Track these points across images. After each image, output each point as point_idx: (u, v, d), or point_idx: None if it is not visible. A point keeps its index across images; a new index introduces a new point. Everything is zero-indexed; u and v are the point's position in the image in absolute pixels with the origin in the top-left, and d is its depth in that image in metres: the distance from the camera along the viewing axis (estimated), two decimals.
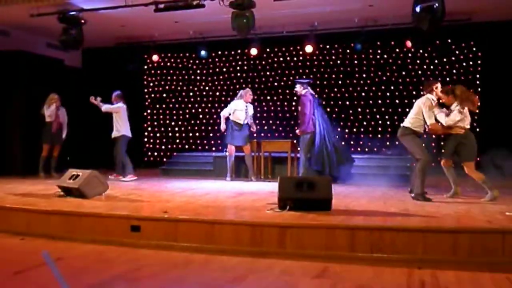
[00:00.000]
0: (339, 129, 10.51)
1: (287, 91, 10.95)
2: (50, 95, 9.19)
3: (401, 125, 6.52)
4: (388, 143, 10.18)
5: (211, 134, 11.49)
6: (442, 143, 7.07)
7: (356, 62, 10.56)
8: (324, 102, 10.68)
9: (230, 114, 8.79)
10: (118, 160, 8.73)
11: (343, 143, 9.44)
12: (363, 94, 10.47)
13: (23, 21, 8.86)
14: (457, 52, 9.87)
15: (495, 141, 8.18)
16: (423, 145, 6.46)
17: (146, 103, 12.04)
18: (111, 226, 4.98)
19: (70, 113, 9.71)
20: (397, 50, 10.25)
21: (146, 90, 12.11)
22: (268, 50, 10.99)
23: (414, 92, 10.00)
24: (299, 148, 8.52)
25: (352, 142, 10.46)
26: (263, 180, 8.70)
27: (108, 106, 8.77)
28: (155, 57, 11.14)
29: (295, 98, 10.87)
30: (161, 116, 12.00)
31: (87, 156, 9.22)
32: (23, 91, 9.86)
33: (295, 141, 8.85)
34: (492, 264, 4.01)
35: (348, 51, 10.50)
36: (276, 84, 11.12)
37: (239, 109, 8.73)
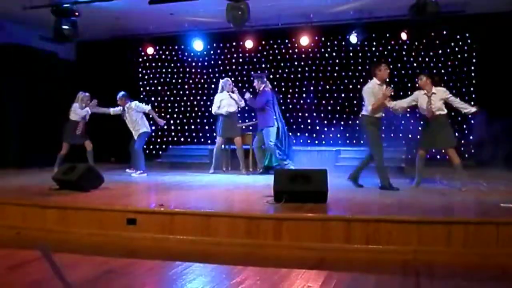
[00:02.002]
0: (334, 122, 10.55)
1: (282, 83, 10.94)
2: (80, 94, 8.69)
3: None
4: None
5: (206, 127, 11.47)
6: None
7: (351, 54, 10.54)
8: (319, 95, 10.70)
9: (218, 108, 8.74)
10: (133, 154, 8.67)
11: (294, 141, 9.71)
12: (359, 86, 10.44)
13: (16, 13, 8.78)
14: (452, 44, 9.87)
15: (489, 132, 8.22)
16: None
17: (141, 96, 11.98)
18: (107, 219, 4.98)
19: (64, 106, 9.65)
20: (392, 42, 10.24)
21: (141, 83, 12.05)
22: (263, 42, 10.96)
23: (409, 84, 10.01)
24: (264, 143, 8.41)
25: (347, 135, 10.48)
26: (260, 173, 8.67)
27: (141, 107, 8.58)
28: (150, 50, 11.08)
29: (290, 90, 10.88)
30: (156, 109, 11.91)
31: (80, 150, 9.16)
32: (17, 84, 9.80)
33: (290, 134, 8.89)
34: (486, 255, 4.04)
35: (343, 43, 10.48)
36: (271, 76, 11.07)
37: (225, 99, 8.68)
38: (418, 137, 6.83)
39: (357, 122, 10.33)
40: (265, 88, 8.41)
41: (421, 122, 6.62)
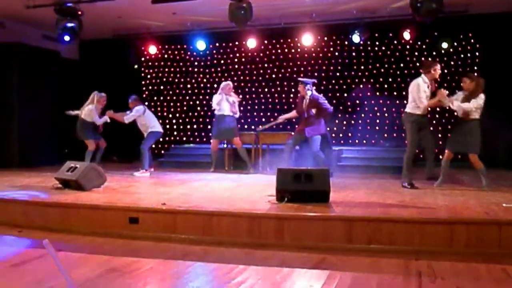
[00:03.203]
0: (337, 121, 10.53)
1: (285, 83, 10.94)
2: (96, 95, 8.58)
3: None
4: (385, 135, 10.21)
5: (209, 126, 11.46)
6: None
7: (354, 53, 10.54)
8: (321, 94, 10.68)
9: (217, 105, 8.72)
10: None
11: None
12: (361, 86, 10.46)
13: (19, 12, 8.80)
14: (455, 43, 9.85)
15: (494, 133, 8.19)
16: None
17: (144, 95, 12.00)
18: (109, 218, 4.99)
19: (66, 106, 9.64)
20: (395, 41, 10.23)
21: (143, 82, 12.07)
22: (266, 42, 10.96)
23: None
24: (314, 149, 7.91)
25: (350, 134, 10.47)
26: (262, 172, 8.67)
27: (129, 116, 8.53)
28: (152, 49, 11.09)
29: (292, 90, 10.87)
30: (158, 108, 11.98)
31: (83, 149, 9.18)
32: (19, 83, 9.82)
33: (292, 133, 8.84)
34: (489, 256, 4.03)
35: (346, 42, 10.47)
36: (274, 76, 11.10)
37: (222, 101, 8.67)
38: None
39: (359, 121, 10.42)
40: (316, 93, 8.21)
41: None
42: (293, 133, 8.73)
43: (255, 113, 10.96)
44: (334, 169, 7.71)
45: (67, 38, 8.38)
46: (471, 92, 6.18)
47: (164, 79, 11.93)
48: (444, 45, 9.71)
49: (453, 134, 6.50)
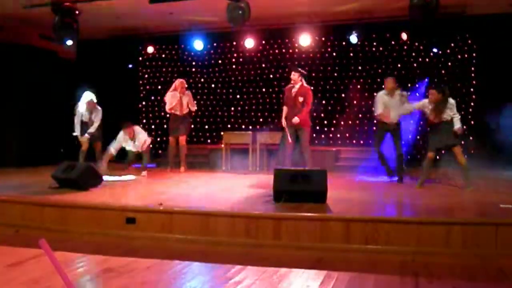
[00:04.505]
0: (334, 121, 10.54)
1: (283, 83, 10.91)
2: (89, 97, 8.56)
3: None
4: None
5: (206, 126, 11.47)
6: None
7: (351, 54, 10.55)
8: (319, 95, 10.70)
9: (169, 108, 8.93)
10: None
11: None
12: (359, 86, 10.46)
13: (16, 12, 8.77)
14: (452, 44, 9.87)
15: (489, 134, 8.23)
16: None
17: (141, 95, 11.99)
18: (106, 218, 4.98)
19: (63, 106, 9.62)
20: (393, 42, 10.24)
21: (141, 82, 12.04)
22: (263, 42, 10.95)
23: (409, 85, 10.02)
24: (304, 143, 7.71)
25: (347, 134, 10.48)
26: (259, 172, 8.67)
27: (145, 143, 8.54)
28: (150, 49, 11.08)
29: None
30: (156, 108, 11.96)
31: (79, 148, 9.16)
32: (17, 83, 9.79)
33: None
34: (485, 256, 4.05)
35: (343, 43, 10.48)
36: (271, 76, 11.09)
37: (174, 100, 8.86)
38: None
39: (357, 122, 10.43)
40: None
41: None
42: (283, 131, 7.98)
43: (252, 113, 10.96)
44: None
45: (69, 42, 8.39)
46: (442, 101, 6.46)
47: (162, 79, 11.90)
48: (440, 47, 9.70)
49: (432, 136, 6.61)
